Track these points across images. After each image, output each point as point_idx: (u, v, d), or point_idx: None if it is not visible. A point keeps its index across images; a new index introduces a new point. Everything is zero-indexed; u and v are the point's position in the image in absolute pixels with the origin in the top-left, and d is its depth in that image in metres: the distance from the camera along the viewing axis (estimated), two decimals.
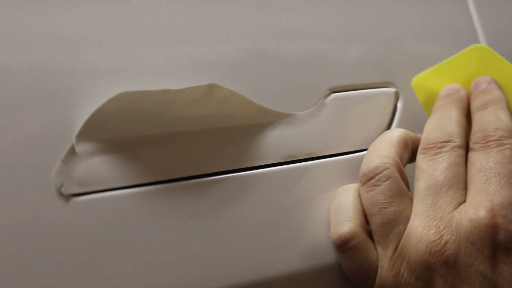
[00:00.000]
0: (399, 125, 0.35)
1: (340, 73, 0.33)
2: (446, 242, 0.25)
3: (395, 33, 0.36)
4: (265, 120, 0.30)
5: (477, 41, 0.40)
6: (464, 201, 0.27)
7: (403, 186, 0.29)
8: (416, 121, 0.35)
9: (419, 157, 0.30)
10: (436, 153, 0.29)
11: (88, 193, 0.26)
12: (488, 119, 0.29)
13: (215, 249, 0.28)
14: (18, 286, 0.24)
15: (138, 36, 0.28)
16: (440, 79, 0.34)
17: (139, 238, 0.27)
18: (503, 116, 0.30)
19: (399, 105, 0.35)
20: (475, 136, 0.29)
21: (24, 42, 0.25)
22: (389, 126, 0.35)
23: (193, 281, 0.28)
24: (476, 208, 0.26)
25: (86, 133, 0.26)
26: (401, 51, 0.36)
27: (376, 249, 0.28)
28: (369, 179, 0.29)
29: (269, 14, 0.32)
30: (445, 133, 0.30)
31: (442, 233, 0.25)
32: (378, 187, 0.28)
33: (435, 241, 0.25)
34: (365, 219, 0.29)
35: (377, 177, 0.29)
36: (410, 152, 0.31)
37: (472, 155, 0.29)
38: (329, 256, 0.31)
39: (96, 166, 0.26)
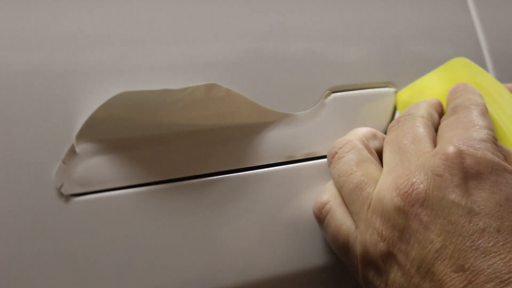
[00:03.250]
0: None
1: (340, 73, 0.33)
2: (413, 182, 0.24)
3: (395, 33, 0.36)
4: (265, 120, 0.30)
5: (477, 41, 0.40)
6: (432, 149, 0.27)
7: (369, 155, 0.29)
8: None
9: (385, 139, 0.30)
10: (398, 127, 0.29)
11: (88, 193, 0.26)
12: (458, 101, 0.29)
13: (215, 249, 0.28)
14: (18, 286, 0.24)
15: (138, 36, 0.28)
16: (421, 93, 0.34)
17: (139, 238, 0.27)
18: (475, 96, 0.29)
19: None
20: (444, 116, 0.29)
21: (24, 42, 0.25)
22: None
23: (193, 281, 0.28)
24: (442, 146, 0.25)
25: (86, 133, 0.26)
26: (401, 51, 0.36)
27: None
28: (333, 156, 0.29)
29: (269, 14, 0.32)
30: (406, 111, 0.30)
31: (409, 176, 0.25)
32: (343, 159, 0.29)
33: (402, 183, 0.25)
34: None
35: (340, 151, 0.29)
36: (380, 142, 0.31)
37: (441, 124, 0.29)
38: (329, 256, 0.31)
39: (96, 166, 0.26)
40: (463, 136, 0.25)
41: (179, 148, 0.28)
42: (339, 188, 0.29)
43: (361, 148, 0.29)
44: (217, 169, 0.29)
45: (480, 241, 0.23)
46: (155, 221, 0.27)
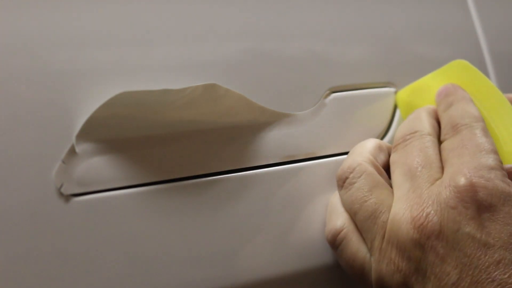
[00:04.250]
0: (399, 125, 0.35)
1: (340, 73, 0.33)
2: (428, 214, 0.25)
3: (395, 33, 0.36)
4: (265, 120, 0.30)
5: (477, 41, 0.40)
6: (440, 177, 0.27)
7: (380, 179, 0.29)
8: None
9: (392, 156, 0.30)
10: (405, 145, 0.29)
11: (88, 193, 0.26)
12: (454, 113, 0.29)
13: (215, 249, 0.28)
14: (18, 286, 0.24)
15: (138, 36, 0.28)
16: (420, 94, 0.34)
17: (139, 238, 0.27)
18: (469, 107, 0.29)
19: None
20: (444, 131, 0.29)
21: (24, 42, 0.25)
22: (389, 126, 0.35)
23: (194, 281, 0.28)
24: (452, 177, 0.25)
25: (86, 133, 0.26)
26: (401, 51, 0.36)
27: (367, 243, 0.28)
28: (344, 180, 0.29)
29: (269, 14, 0.32)
30: (411, 128, 0.30)
31: (423, 206, 0.25)
32: (355, 184, 0.28)
33: (417, 216, 0.25)
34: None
35: (351, 176, 0.29)
36: (386, 155, 0.31)
37: (444, 144, 0.29)
38: (329, 256, 0.31)
39: (96, 166, 0.26)
40: (473, 166, 0.25)
41: (179, 148, 0.28)
42: (352, 215, 0.29)
43: (372, 172, 0.29)
44: (217, 169, 0.29)
45: (496, 273, 0.23)
46: (155, 221, 0.27)
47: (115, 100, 0.26)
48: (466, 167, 0.25)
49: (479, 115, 0.29)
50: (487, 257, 0.23)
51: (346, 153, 0.33)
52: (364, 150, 0.30)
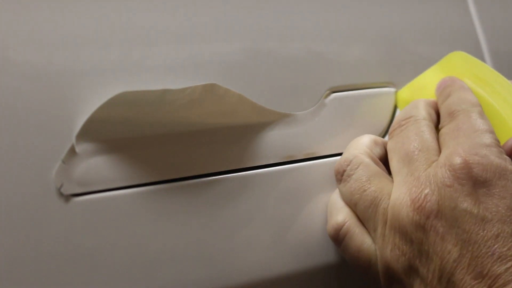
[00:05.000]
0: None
1: (340, 73, 0.33)
2: (426, 194, 0.25)
3: (395, 33, 0.36)
4: (265, 120, 0.30)
5: (477, 41, 0.40)
6: (437, 159, 0.27)
7: (378, 168, 0.29)
8: None
9: (388, 144, 0.30)
10: (401, 130, 0.29)
11: (88, 193, 0.26)
12: (451, 102, 0.29)
13: (215, 249, 0.28)
14: (18, 286, 0.24)
15: (138, 36, 0.28)
16: (421, 91, 0.34)
17: (139, 238, 0.27)
18: (466, 95, 0.30)
19: None
20: (442, 119, 0.29)
21: (24, 42, 0.25)
22: (389, 126, 0.35)
23: (194, 281, 0.28)
24: (448, 157, 0.26)
25: (86, 133, 0.26)
26: (401, 51, 0.36)
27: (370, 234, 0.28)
28: (342, 174, 0.29)
29: (269, 14, 0.32)
30: (408, 113, 0.30)
31: (421, 188, 0.25)
32: (353, 176, 0.29)
33: (415, 197, 0.25)
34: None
35: (348, 168, 0.29)
36: (382, 148, 0.31)
37: (441, 131, 0.29)
38: (329, 255, 0.31)
39: (96, 166, 0.26)
40: (467, 145, 0.26)
41: (179, 148, 0.28)
42: (353, 206, 0.29)
43: (368, 162, 0.29)
44: (217, 169, 0.29)
45: (495, 246, 0.23)
46: (155, 221, 0.27)
47: (115, 100, 0.26)
48: (461, 146, 0.26)
49: (476, 101, 0.29)
50: (485, 231, 0.23)
51: None
52: (360, 144, 0.30)
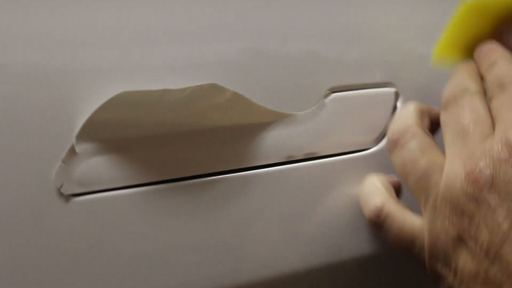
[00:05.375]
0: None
1: (340, 73, 0.33)
2: (481, 168, 0.25)
3: (395, 33, 0.36)
4: (265, 120, 0.30)
5: None
6: (491, 133, 0.27)
7: (430, 140, 0.29)
8: None
9: (442, 116, 0.30)
10: (456, 104, 0.29)
11: (88, 193, 0.26)
12: (499, 72, 0.29)
13: (215, 249, 0.28)
14: (18, 286, 0.24)
15: (138, 36, 0.28)
16: (457, 43, 0.33)
17: (139, 238, 0.27)
18: None
19: (399, 105, 0.35)
20: (490, 90, 0.29)
21: (24, 42, 0.25)
22: (389, 126, 0.35)
23: (194, 281, 0.28)
24: (504, 131, 0.26)
25: (86, 133, 0.26)
26: (401, 51, 0.36)
27: (414, 213, 0.28)
28: (396, 144, 0.29)
29: (269, 14, 0.32)
30: (460, 87, 0.30)
31: (476, 162, 0.25)
32: (406, 146, 0.29)
33: (470, 170, 0.25)
34: (395, 194, 0.30)
35: (403, 139, 0.29)
36: (428, 119, 0.31)
37: (492, 103, 0.28)
38: (329, 255, 0.31)
39: (96, 166, 0.26)
40: None
41: (179, 148, 0.28)
42: (404, 177, 0.29)
43: (422, 134, 0.29)
44: (217, 169, 0.29)
45: None
46: (155, 221, 0.27)
47: (115, 100, 0.26)
48: None
49: None
50: None
51: (346, 153, 0.33)
52: (411, 114, 0.30)
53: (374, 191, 0.30)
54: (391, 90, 0.35)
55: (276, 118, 0.31)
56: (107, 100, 0.26)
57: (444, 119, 0.29)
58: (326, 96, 0.33)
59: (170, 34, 0.29)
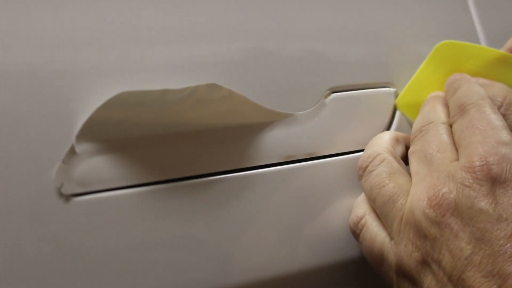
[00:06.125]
0: (399, 125, 0.35)
1: (340, 73, 0.33)
2: (444, 193, 0.25)
3: (395, 33, 0.36)
4: (265, 120, 0.30)
5: (477, 41, 0.40)
6: (457, 158, 0.27)
7: (399, 166, 0.30)
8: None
9: (410, 149, 0.31)
10: (422, 135, 0.30)
11: (88, 193, 0.26)
12: (459, 95, 0.30)
13: (215, 249, 0.28)
14: (18, 286, 0.24)
15: (138, 36, 0.28)
16: (421, 90, 0.34)
17: (139, 238, 0.27)
18: (474, 87, 0.30)
19: None
20: (452, 113, 0.30)
21: (24, 42, 0.25)
22: (389, 126, 0.35)
23: (193, 281, 0.28)
24: (467, 157, 0.26)
25: (86, 133, 0.26)
26: (401, 51, 0.36)
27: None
28: (364, 169, 0.30)
29: (269, 14, 0.32)
30: (426, 120, 0.31)
31: (439, 187, 0.26)
32: (374, 171, 0.29)
33: (433, 195, 0.26)
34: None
35: (371, 164, 0.30)
36: (403, 146, 0.32)
37: (454, 126, 0.29)
38: (330, 255, 0.31)
39: (96, 166, 0.26)
40: (486, 144, 0.26)
41: (179, 148, 0.28)
42: (372, 201, 0.29)
43: (390, 160, 0.30)
44: (217, 169, 0.29)
45: (507, 245, 0.23)
46: (155, 221, 0.27)
47: (115, 100, 0.26)
48: (479, 145, 0.26)
49: (484, 93, 0.29)
50: (499, 231, 0.24)
51: (346, 153, 0.33)
52: (383, 141, 0.31)
53: (360, 202, 0.31)
54: (391, 90, 0.35)
55: (276, 118, 0.31)
56: (107, 100, 0.26)
57: (411, 150, 0.30)
58: (326, 96, 0.33)
59: (170, 34, 0.29)
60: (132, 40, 0.28)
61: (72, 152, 0.26)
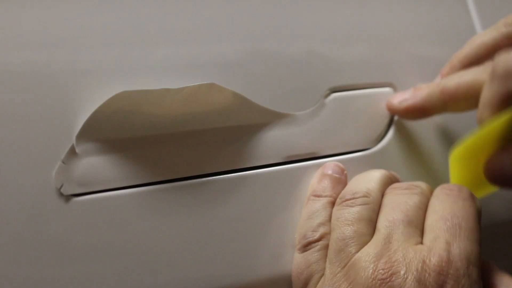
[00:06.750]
0: (399, 125, 0.35)
1: (340, 73, 0.33)
2: (394, 273, 0.25)
3: (395, 33, 0.36)
4: (265, 120, 0.30)
5: None
6: (421, 242, 0.27)
7: (373, 216, 0.29)
8: (415, 122, 0.35)
9: (385, 199, 0.30)
10: (401, 193, 0.29)
11: (88, 193, 0.26)
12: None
13: (215, 249, 0.28)
14: (18, 286, 0.24)
15: (138, 36, 0.28)
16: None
17: (139, 238, 0.27)
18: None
19: None
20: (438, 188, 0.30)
21: (24, 42, 0.25)
22: (388, 126, 0.35)
23: (193, 281, 0.28)
24: (432, 252, 0.26)
25: (86, 133, 0.26)
26: (401, 51, 0.36)
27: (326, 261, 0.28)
28: (345, 200, 0.29)
29: (269, 14, 0.32)
30: (415, 184, 0.30)
31: (392, 264, 0.25)
32: (350, 208, 0.29)
33: (383, 269, 0.25)
34: None
35: (352, 200, 0.29)
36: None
37: (433, 201, 0.29)
38: None
39: (96, 166, 0.26)
40: (455, 253, 0.26)
41: (179, 148, 0.28)
42: (332, 229, 0.29)
43: (373, 209, 0.29)
44: (217, 169, 0.29)
45: None
46: (155, 221, 0.27)
47: (115, 100, 0.26)
48: (448, 250, 0.26)
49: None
50: None
51: (346, 153, 0.33)
52: (375, 185, 0.30)
53: (320, 219, 0.30)
54: (391, 90, 0.35)
55: (276, 118, 0.31)
56: (107, 100, 0.26)
57: (385, 202, 0.29)
58: (326, 96, 0.33)
59: (170, 34, 0.29)
60: (132, 40, 0.28)
61: (72, 152, 0.26)
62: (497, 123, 0.27)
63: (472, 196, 0.29)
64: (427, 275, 0.25)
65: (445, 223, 0.27)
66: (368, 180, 0.30)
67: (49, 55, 0.26)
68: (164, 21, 0.29)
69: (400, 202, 0.29)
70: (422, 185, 0.30)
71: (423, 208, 0.29)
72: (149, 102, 0.27)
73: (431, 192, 0.30)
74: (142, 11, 0.28)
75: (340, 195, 0.30)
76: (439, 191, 0.29)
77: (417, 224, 0.28)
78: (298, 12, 0.33)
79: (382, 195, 0.30)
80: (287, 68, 0.31)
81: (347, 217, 0.28)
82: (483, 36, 0.33)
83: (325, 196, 0.30)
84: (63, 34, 0.26)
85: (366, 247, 0.27)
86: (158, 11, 0.29)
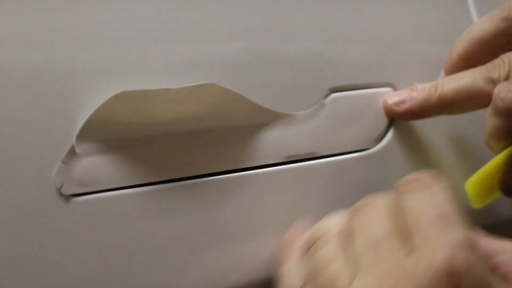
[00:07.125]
0: (399, 125, 0.35)
1: (340, 73, 0.33)
2: None
3: (395, 33, 0.36)
4: (265, 120, 0.30)
5: None
6: (412, 249, 0.23)
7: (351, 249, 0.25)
8: (415, 121, 0.35)
9: (348, 221, 0.27)
10: (366, 211, 0.26)
11: (88, 193, 0.26)
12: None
13: (215, 248, 0.28)
14: (18, 286, 0.24)
15: (137, 36, 0.28)
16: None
17: (139, 238, 0.27)
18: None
19: None
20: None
21: (24, 42, 0.25)
22: (388, 126, 0.35)
23: (193, 281, 0.28)
24: (431, 255, 0.22)
25: (86, 133, 0.26)
26: (401, 51, 0.36)
27: None
28: (312, 244, 0.27)
29: (269, 14, 0.32)
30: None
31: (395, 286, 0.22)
32: (321, 250, 0.26)
33: None
34: None
35: (318, 242, 0.27)
36: None
37: (405, 199, 0.25)
38: None
39: (96, 166, 0.26)
40: (453, 244, 0.22)
41: (179, 148, 0.28)
42: (312, 279, 0.25)
43: (336, 241, 0.26)
44: (217, 169, 0.29)
45: None
46: (155, 221, 0.27)
47: (115, 100, 0.26)
48: (445, 244, 0.22)
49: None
50: None
51: (346, 153, 0.33)
52: (337, 218, 0.28)
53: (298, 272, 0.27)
54: (391, 90, 0.35)
55: (276, 118, 0.31)
56: (107, 100, 0.26)
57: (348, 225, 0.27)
58: (326, 96, 0.33)
59: (170, 34, 0.29)
60: (132, 40, 0.28)
61: (72, 152, 0.26)
62: (505, 154, 0.31)
63: (433, 178, 0.26)
64: (437, 283, 0.21)
65: (429, 217, 0.23)
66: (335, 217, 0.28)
67: (49, 55, 0.26)
68: (164, 21, 0.29)
69: (370, 219, 0.25)
70: (379, 196, 0.27)
71: (396, 213, 0.25)
72: (149, 102, 0.27)
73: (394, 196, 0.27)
74: (142, 11, 0.28)
75: (306, 241, 0.27)
76: (402, 188, 0.26)
77: (400, 232, 0.24)
78: (298, 12, 0.33)
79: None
80: (287, 68, 0.31)
81: (323, 258, 0.25)
82: (481, 31, 0.33)
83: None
84: (63, 34, 0.26)
85: (357, 281, 0.23)
86: (158, 11, 0.29)
